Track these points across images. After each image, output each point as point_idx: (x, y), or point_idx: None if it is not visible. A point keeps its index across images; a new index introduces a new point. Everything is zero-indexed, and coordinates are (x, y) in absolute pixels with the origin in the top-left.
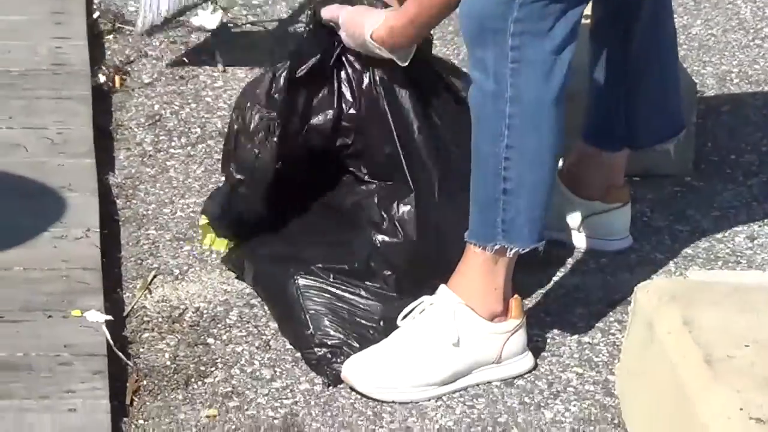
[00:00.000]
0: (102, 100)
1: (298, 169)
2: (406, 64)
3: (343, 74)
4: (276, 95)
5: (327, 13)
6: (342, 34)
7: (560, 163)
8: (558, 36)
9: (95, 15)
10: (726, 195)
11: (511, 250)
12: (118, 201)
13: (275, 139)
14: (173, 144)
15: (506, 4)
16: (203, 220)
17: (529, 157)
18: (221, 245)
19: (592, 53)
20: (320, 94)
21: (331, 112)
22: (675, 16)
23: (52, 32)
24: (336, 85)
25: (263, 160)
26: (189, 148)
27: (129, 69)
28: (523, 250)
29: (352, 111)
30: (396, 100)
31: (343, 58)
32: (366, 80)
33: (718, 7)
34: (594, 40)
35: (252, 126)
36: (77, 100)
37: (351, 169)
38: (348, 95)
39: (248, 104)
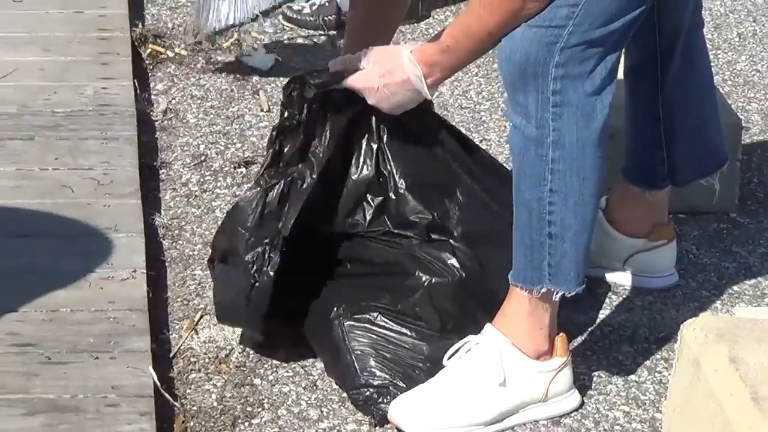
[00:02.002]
0: (148, 141)
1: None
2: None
3: (365, 140)
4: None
5: (339, 65)
6: (365, 81)
7: (603, 200)
8: (598, 78)
9: (144, 54)
10: None
11: (557, 293)
12: (164, 241)
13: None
14: (219, 184)
15: (548, 49)
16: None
17: (573, 200)
18: None
19: (628, 93)
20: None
21: (364, 179)
22: (720, 51)
23: (98, 73)
24: (362, 150)
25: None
26: (234, 188)
27: (175, 109)
28: (570, 293)
29: (386, 170)
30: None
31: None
32: (394, 139)
33: (763, 42)
34: (630, 81)
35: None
36: (123, 140)
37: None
38: (377, 160)
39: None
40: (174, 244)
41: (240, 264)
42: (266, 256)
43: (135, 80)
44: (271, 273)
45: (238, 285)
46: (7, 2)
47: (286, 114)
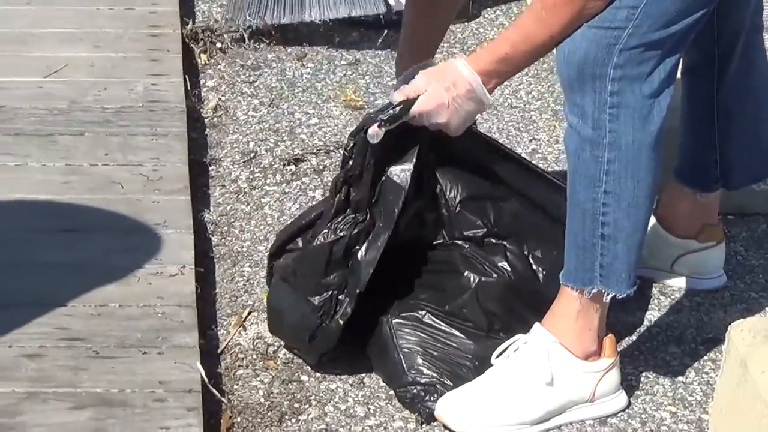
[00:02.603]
0: (198, 137)
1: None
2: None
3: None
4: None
5: (400, 95)
6: (435, 99)
7: (654, 200)
8: (656, 80)
9: (197, 51)
10: None
11: (608, 294)
12: (213, 238)
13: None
14: (268, 181)
15: (607, 51)
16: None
17: (627, 202)
18: None
19: (684, 94)
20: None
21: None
22: None
23: (148, 69)
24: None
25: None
26: (284, 185)
27: (225, 106)
28: (620, 295)
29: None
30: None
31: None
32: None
33: None
34: (686, 82)
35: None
36: (172, 137)
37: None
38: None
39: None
40: (223, 240)
41: (306, 300)
42: (334, 302)
43: (185, 77)
44: (341, 322)
45: (302, 316)
46: None
47: (350, 164)
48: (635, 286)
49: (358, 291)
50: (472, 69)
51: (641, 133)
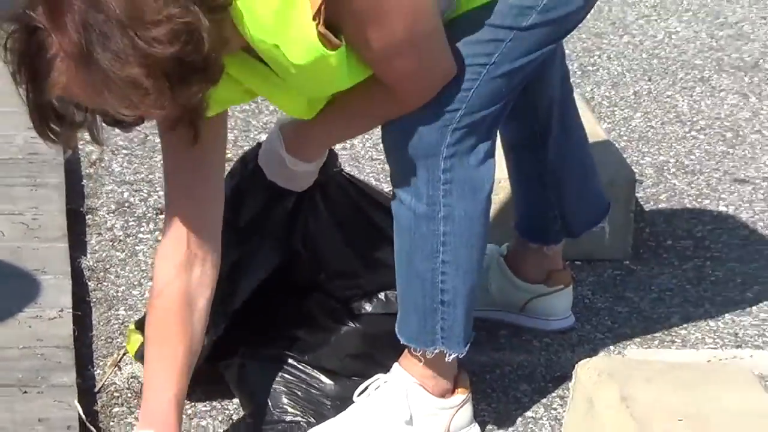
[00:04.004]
0: (74, 188)
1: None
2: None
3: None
4: None
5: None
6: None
7: (504, 248)
8: (482, 151)
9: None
10: (662, 278)
11: (449, 355)
12: (89, 283)
13: None
14: (142, 229)
15: (441, 132)
16: (132, 327)
17: (464, 269)
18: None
19: (513, 169)
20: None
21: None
22: (617, 108)
23: (28, 123)
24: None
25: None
26: (157, 233)
27: (101, 158)
28: (460, 355)
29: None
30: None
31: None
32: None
33: (657, 100)
34: (514, 158)
35: None
36: (51, 187)
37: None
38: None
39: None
40: (99, 285)
41: None
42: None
43: None
44: (213, 339)
45: None
46: None
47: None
48: (471, 340)
49: (233, 309)
50: (284, 137)
51: (472, 203)
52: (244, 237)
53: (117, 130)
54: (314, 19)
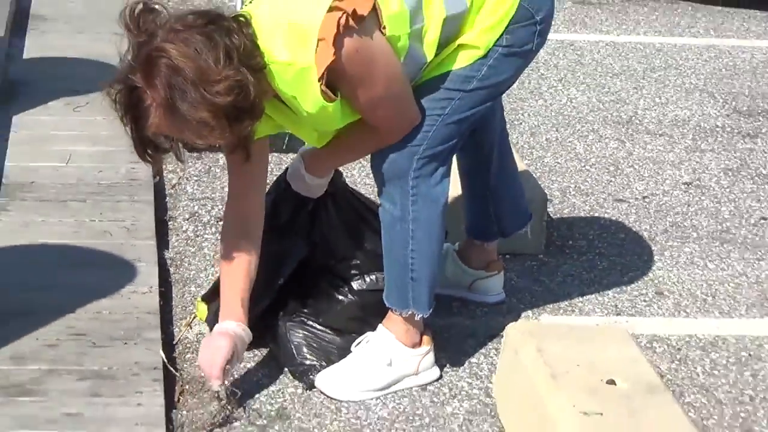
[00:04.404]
0: (160, 203)
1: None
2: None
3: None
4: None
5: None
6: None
7: (457, 245)
8: (439, 175)
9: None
10: (565, 267)
11: (418, 315)
12: (170, 269)
13: None
14: (206, 232)
15: (409, 162)
16: (200, 299)
17: (427, 256)
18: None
19: (465, 188)
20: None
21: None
22: (534, 150)
23: (129, 157)
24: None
25: None
26: (217, 234)
27: (180, 182)
28: (426, 315)
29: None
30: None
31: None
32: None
33: (562, 145)
34: (465, 180)
35: None
36: (144, 202)
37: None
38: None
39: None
40: (177, 270)
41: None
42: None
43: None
44: (262, 309)
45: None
46: (69, 111)
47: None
48: (433, 306)
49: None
50: (307, 172)
51: (433, 210)
52: (282, 234)
53: (193, 155)
54: (319, 80)
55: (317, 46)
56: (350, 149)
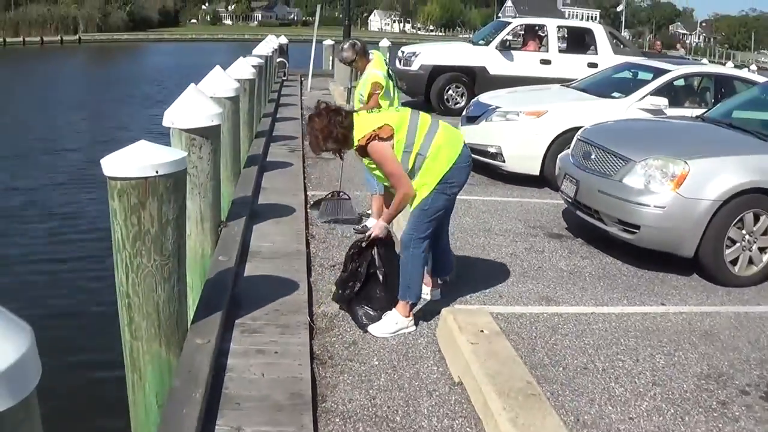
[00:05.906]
0: (310, 255)
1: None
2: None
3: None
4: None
5: (377, 230)
6: (378, 231)
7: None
8: (428, 238)
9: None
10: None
11: (411, 303)
12: (313, 261)
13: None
14: (335, 241)
15: (410, 238)
16: (335, 283)
17: (416, 275)
18: None
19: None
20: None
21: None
22: (466, 244)
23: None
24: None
25: None
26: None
27: (319, 239)
28: (415, 302)
29: (376, 260)
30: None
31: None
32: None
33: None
34: (432, 247)
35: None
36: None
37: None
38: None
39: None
40: (318, 261)
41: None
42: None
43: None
44: (355, 291)
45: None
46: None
47: (351, 253)
48: (419, 299)
49: (359, 281)
50: (385, 216)
51: (418, 257)
52: (365, 252)
53: (325, 226)
54: (355, 147)
55: (363, 137)
56: (394, 204)
